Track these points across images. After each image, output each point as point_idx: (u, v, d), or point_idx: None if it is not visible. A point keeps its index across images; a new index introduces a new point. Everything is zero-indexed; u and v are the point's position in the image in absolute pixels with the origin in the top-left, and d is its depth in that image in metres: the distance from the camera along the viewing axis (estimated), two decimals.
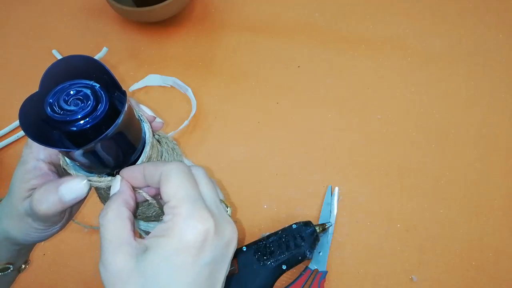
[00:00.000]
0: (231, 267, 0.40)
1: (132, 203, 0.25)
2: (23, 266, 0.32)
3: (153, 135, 0.27)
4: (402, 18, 0.63)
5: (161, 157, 0.29)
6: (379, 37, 0.61)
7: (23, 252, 0.31)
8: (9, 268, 0.29)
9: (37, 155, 0.27)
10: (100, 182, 0.25)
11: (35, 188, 0.26)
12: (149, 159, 0.27)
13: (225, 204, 0.27)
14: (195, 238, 0.22)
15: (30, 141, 0.27)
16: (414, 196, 0.49)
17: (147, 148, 0.26)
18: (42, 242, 0.49)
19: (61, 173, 0.28)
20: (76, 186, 0.25)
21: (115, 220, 0.23)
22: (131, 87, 0.59)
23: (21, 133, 0.56)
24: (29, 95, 0.23)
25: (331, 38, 0.62)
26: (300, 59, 0.60)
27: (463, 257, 0.46)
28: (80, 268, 0.48)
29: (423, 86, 0.57)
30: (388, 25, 0.63)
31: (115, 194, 0.25)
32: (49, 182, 0.26)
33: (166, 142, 0.30)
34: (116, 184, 0.25)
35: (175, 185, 0.23)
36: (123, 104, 0.22)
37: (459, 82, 0.57)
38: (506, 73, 0.57)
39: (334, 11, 0.65)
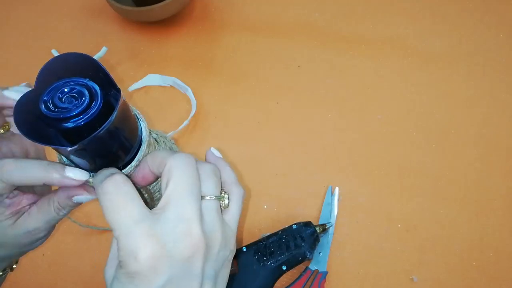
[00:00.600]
0: (231, 267, 0.41)
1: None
2: (14, 266, 0.33)
3: (150, 134, 0.27)
4: (402, 18, 0.63)
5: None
6: (379, 37, 0.61)
7: (13, 261, 0.31)
8: (6, 272, 0.30)
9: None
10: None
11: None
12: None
13: (221, 197, 0.25)
14: (144, 262, 0.20)
15: None
16: (414, 196, 0.49)
17: (143, 147, 0.26)
18: None
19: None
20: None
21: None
22: (131, 87, 0.59)
23: None
24: (24, 93, 0.23)
25: (331, 38, 0.62)
26: (300, 59, 0.60)
27: (463, 257, 0.46)
28: (80, 268, 0.48)
29: (423, 86, 0.57)
30: (388, 25, 0.62)
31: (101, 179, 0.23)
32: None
33: (164, 141, 0.30)
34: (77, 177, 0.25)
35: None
36: (118, 101, 0.22)
37: (459, 82, 0.57)
38: (506, 73, 0.57)
39: (334, 11, 0.65)
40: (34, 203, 0.27)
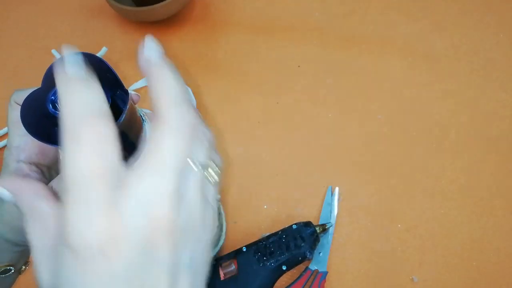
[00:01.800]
0: (231, 268, 0.41)
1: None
2: (23, 267, 0.32)
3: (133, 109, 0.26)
4: (402, 18, 0.63)
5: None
6: (379, 37, 0.61)
7: (26, 253, 0.31)
8: (10, 270, 0.29)
9: (17, 157, 0.26)
10: None
11: None
12: None
13: (208, 166, 0.20)
14: (97, 238, 0.15)
15: (9, 143, 0.25)
16: (415, 196, 0.49)
17: None
18: None
19: (45, 172, 0.28)
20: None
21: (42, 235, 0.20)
22: (131, 87, 0.59)
23: None
24: (31, 92, 0.22)
25: (331, 38, 0.62)
26: (300, 59, 0.60)
27: (463, 257, 0.45)
28: None
29: (423, 86, 0.57)
30: (388, 25, 0.62)
31: (20, 198, 0.20)
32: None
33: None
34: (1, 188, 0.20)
35: (65, 157, 0.16)
36: (125, 103, 0.22)
37: (459, 82, 0.57)
38: (506, 73, 0.57)
39: (334, 11, 0.65)
40: None
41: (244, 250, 0.42)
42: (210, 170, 0.19)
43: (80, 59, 0.17)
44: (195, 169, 0.18)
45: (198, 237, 0.18)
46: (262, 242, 0.42)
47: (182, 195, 0.17)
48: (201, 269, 0.19)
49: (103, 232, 0.15)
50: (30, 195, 0.19)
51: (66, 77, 0.16)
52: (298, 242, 0.42)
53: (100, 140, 0.15)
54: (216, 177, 0.20)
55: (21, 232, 0.21)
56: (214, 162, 0.20)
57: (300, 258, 0.42)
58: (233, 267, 0.41)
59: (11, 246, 0.28)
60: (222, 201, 0.50)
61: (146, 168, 0.16)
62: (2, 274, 0.28)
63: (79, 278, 0.16)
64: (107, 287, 0.16)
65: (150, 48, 0.20)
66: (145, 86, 0.60)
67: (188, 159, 0.17)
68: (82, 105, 0.16)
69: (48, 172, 0.28)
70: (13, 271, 0.29)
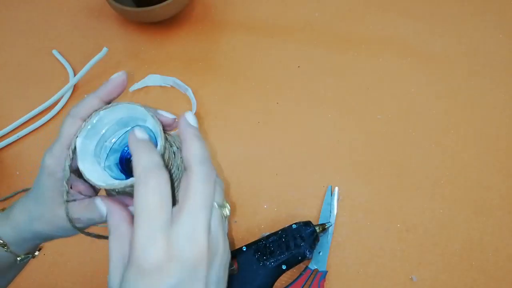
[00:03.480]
0: (230, 267, 0.41)
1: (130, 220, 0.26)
2: (36, 253, 0.34)
3: (166, 140, 0.28)
4: (402, 18, 0.63)
5: (174, 157, 0.29)
6: (379, 37, 0.61)
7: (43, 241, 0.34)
8: (29, 257, 0.32)
9: (63, 165, 0.28)
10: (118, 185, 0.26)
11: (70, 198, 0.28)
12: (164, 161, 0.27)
13: (224, 206, 0.26)
14: (145, 264, 0.21)
15: (54, 150, 0.27)
16: (414, 196, 0.49)
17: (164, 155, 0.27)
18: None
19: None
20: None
21: (116, 241, 0.24)
22: (131, 87, 0.59)
23: (21, 133, 0.56)
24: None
25: (331, 38, 0.62)
26: (300, 59, 0.60)
27: (463, 257, 0.46)
28: (80, 268, 0.48)
29: (423, 86, 0.57)
30: (388, 25, 0.63)
31: (109, 214, 0.25)
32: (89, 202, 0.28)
33: (174, 141, 0.30)
34: (101, 204, 0.26)
35: (136, 196, 0.23)
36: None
37: (459, 82, 0.57)
38: (506, 73, 0.57)
39: (334, 11, 0.65)
40: (89, 196, 0.29)
41: (244, 249, 0.42)
42: (224, 209, 0.26)
43: (143, 129, 0.26)
44: (216, 208, 0.25)
45: (221, 260, 0.25)
46: (262, 241, 0.43)
47: (210, 229, 0.24)
48: (223, 284, 0.25)
49: (162, 252, 0.21)
50: (118, 217, 0.25)
51: (137, 140, 0.24)
52: (298, 241, 0.42)
53: (160, 184, 0.22)
54: (228, 213, 0.26)
55: (63, 231, 0.29)
56: (226, 203, 0.27)
57: (300, 258, 0.42)
58: (233, 266, 0.41)
59: (37, 240, 0.31)
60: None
61: (188, 209, 0.23)
62: (22, 261, 0.32)
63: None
64: None
65: (191, 120, 0.27)
66: (145, 87, 0.60)
67: (213, 202, 0.24)
68: (147, 160, 0.23)
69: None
70: (30, 257, 0.33)
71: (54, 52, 0.64)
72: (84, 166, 0.26)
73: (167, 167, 0.27)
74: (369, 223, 0.48)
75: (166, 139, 0.27)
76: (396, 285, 0.45)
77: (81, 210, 0.28)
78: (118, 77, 0.28)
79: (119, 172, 0.29)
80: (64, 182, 0.26)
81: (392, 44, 0.61)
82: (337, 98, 0.57)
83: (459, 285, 0.44)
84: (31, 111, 0.57)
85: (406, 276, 0.45)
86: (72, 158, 0.26)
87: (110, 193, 0.29)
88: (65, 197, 0.27)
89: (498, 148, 0.52)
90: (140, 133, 0.25)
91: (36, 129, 0.57)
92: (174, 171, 0.28)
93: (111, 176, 0.27)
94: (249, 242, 0.43)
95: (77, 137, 0.26)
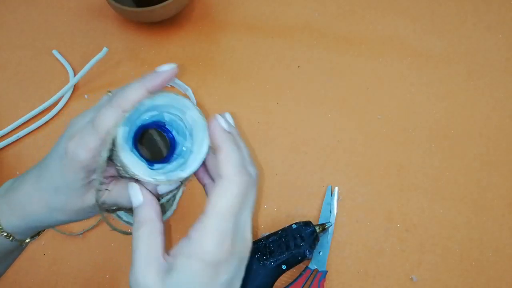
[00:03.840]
0: None
1: (160, 214, 0.26)
2: (36, 237, 0.34)
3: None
4: (402, 18, 0.63)
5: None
6: (379, 37, 0.61)
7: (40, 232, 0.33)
8: (32, 240, 0.32)
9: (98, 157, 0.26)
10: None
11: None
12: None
13: None
14: (214, 258, 0.23)
15: (89, 142, 0.25)
16: (414, 196, 0.49)
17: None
18: (42, 242, 0.49)
19: None
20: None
21: (149, 235, 0.24)
22: None
23: (21, 133, 0.56)
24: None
25: (331, 38, 0.62)
26: (300, 59, 0.60)
27: (463, 257, 0.46)
28: (80, 268, 0.48)
29: (423, 86, 0.57)
30: (388, 25, 0.63)
31: (143, 205, 0.25)
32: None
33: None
34: (138, 194, 0.26)
35: (224, 200, 0.23)
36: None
37: (459, 82, 0.57)
38: (506, 73, 0.57)
39: (334, 11, 0.65)
40: (113, 179, 0.28)
41: None
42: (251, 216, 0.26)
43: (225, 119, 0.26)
44: (247, 213, 0.25)
45: (244, 263, 0.25)
46: (262, 241, 0.43)
47: (237, 231, 0.24)
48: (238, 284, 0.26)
49: (228, 248, 0.23)
50: (153, 211, 0.25)
51: (226, 133, 0.25)
52: (298, 241, 0.42)
53: (247, 183, 0.24)
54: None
55: (65, 220, 0.29)
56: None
57: (300, 258, 0.42)
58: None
59: (45, 227, 0.31)
60: None
61: (245, 211, 0.24)
62: (23, 245, 0.32)
63: (194, 282, 0.23)
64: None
65: (227, 121, 0.26)
66: None
67: (241, 208, 0.24)
68: (239, 159, 0.24)
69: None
70: (29, 241, 0.32)
71: (54, 52, 0.64)
72: (127, 159, 0.25)
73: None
74: (369, 223, 0.48)
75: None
76: (396, 285, 0.45)
77: (112, 197, 0.27)
78: (171, 69, 0.26)
79: (131, 144, 0.26)
80: (100, 173, 0.25)
81: (392, 44, 0.61)
82: (337, 98, 0.57)
83: (459, 285, 0.44)
84: (31, 111, 0.57)
85: (406, 276, 0.45)
86: (112, 149, 0.25)
87: (124, 175, 0.28)
88: (98, 187, 0.26)
89: (498, 148, 0.52)
90: (225, 124, 0.25)
91: (36, 129, 0.57)
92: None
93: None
94: None
95: (119, 126, 0.24)
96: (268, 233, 0.44)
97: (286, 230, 0.43)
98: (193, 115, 0.27)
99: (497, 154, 0.51)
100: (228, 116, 0.27)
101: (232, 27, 0.65)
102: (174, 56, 0.62)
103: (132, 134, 0.26)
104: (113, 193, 0.27)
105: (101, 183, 0.26)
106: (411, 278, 0.45)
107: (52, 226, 0.31)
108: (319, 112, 0.56)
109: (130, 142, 0.26)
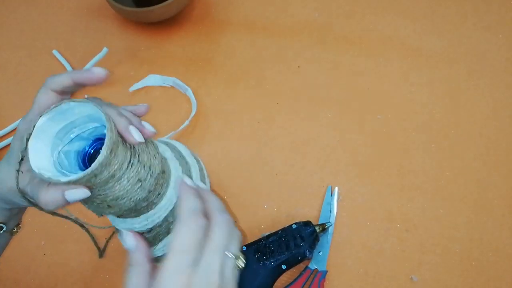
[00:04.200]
0: None
1: (150, 255, 0.28)
2: (15, 229, 0.34)
3: (124, 145, 0.28)
4: (402, 18, 0.63)
5: (138, 156, 0.29)
6: (379, 37, 0.61)
7: (14, 212, 0.33)
8: (2, 228, 0.32)
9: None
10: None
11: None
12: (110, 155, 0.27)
13: (239, 257, 0.28)
14: None
15: (28, 116, 0.28)
16: (414, 196, 0.49)
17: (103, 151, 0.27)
18: (43, 242, 0.49)
19: None
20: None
21: (138, 275, 0.27)
22: (131, 88, 0.59)
23: None
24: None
25: (331, 38, 0.62)
26: (300, 59, 0.61)
27: (463, 257, 0.46)
28: (80, 268, 0.48)
29: (423, 86, 0.57)
30: (388, 25, 0.63)
31: (136, 251, 0.28)
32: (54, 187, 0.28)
33: (148, 150, 0.31)
34: (132, 239, 0.28)
35: (177, 234, 0.26)
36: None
37: (459, 82, 0.57)
38: (506, 73, 0.57)
39: (334, 11, 0.65)
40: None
41: (244, 249, 0.42)
42: (238, 260, 0.28)
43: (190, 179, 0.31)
44: (232, 258, 0.27)
45: None
46: (262, 241, 0.43)
47: (224, 274, 0.26)
48: None
49: (183, 285, 0.24)
50: (143, 254, 0.28)
51: (187, 186, 0.30)
52: (297, 241, 0.42)
53: (198, 228, 0.26)
54: (242, 266, 0.28)
55: (12, 192, 0.29)
56: (241, 255, 0.29)
57: (299, 257, 0.42)
58: None
59: (2, 204, 0.31)
60: (222, 200, 0.50)
61: (207, 252, 0.26)
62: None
63: None
64: None
65: (191, 181, 0.31)
66: (145, 87, 0.60)
67: (226, 251, 0.27)
68: (193, 206, 0.28)
69: None
70: (4, 229, 0.33)
71: (54, 52, 0.64)
72: (33, 144, 0.27)
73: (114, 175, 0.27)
74: (369, 223, 0.48)
75: (119, 145, 0.27)
76: (396, 285, 0.45)
77: (34, 189, 0.27)
78: (99, 73, 0.29)
79: (76, 160, 0.30)
80: (19, 152, 0.27)
81: (392, 44, 0.61)
82: (337, 98, 0.57)
83: (459, 285, 0.44)
84: None
85: (406, 276, 0.45)
86: (31, 133, 0.27)
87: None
88: (17, 166, 0.27)
89: (498, 148, 0.52)
90: (189, 181, 0.30)
91: None
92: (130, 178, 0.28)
93: (61, 163, 0.28)
94: (249, 242, 0.43)
95: (41, 116, 0.27)
96: (268, 233, 0.44)
97: (286, 230, 0.43)
98: (108, 126, 0.28)
99: (497, 154, 0.51)
100: (200, 183, 0.33)
101: (232, 27, 0.65)
102: (174, 56, 0.62)
103: (79, 145, 0.30)
104: (35, 186, 0.28)
105: (20, 162, 0.27)
106: (411, 278, 0.45)
107: (6, 204, 0.31)
108: (319, 112, 0.56)
109: (65, 142, 0.29)
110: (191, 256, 0.25)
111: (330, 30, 0.63)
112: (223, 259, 0.26)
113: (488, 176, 0.50)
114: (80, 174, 0.25)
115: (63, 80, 0.28)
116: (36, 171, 0.26)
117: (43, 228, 0.50)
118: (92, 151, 0.31)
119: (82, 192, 0.26)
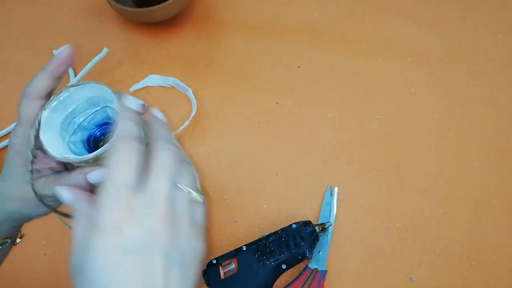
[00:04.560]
0: (231, 267, 0.41)
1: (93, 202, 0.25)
2: (17, 240, 0.35)
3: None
4: (402, 18, 0.63)
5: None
6: (379, 37, 0.62)
7: (19, 227, 0.34)
8: (7, 242, 0.32)
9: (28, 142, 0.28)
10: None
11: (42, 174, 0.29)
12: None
13: (197, 192, 0.25)
14: (114, 218, 0.22)
15: (18, 130, 0.28)
16: (414, 196, 0.49)
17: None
18: (43, 242, 0.49)
19: None
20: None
21: (86, 224, 0.24)
22: (132, 88, 0.59)
23: None
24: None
25: (331, 38, 0.62)
26: (300, 59, 0.61)
27: (462, 257, 0.46)
28: None
29: (423, 86, 0.57)
30: (388, 25, 0.63)
31: (75, 201, 0.25)
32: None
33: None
34: (66, 191, 0.26)
35: (109, 159, 0.23)
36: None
37: (459, 82, 0.57)
38: (506, 73, 0.57)
39: (334, 11, 0.65)
40: (55, 172, 0.30)
41: (244, 249, 0.42)
42: (192, 194, 0.25)
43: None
44: (183, 189, 0.24)
45: (187, 243, 0.24)
46: (262, 241, 0.43)
47: (176, 204, 0.23)
48: (190, 274, 0.24)
49: (121, 213, 0.21)
50: (83, 201, 0.25)
51: (128, 110, 0.26)
52: (297, 241, 0.42)
53: (132, 151, 0.23)
54: (198, 200, 0.25)
55: (27, 204, 0.29)
56: (199, 191, 0.26)
57: (299, 257, 0.42)
58: (233, 266, 0.41)
59: (11, 222, 0.31)
60: (222, 200, 0.50)
61: (151, 177, 0.23)
62: (1, 246, 0.32)
63: (98, 247, 0.21)
64: (117, 255, 0.21)
65: (158, 114, 0.30)
66: (146, 87, 0.60)
67: (177, 183, 0.24)
68: (129, 130, 0.25)
69: None
70: (9, 242, 0.33)
71: (54, 52, 0.64)
72: (45, 137, 0.27)
73: None
74: (369, 223, 0.48)
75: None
76: (396, 285, 0.45)
77: (52, 190, 0.28)
78: (61, 53, 0.28)
79: (84, 149, 0.30)
80: (29, 152, 0.27)
81: (392, 44, 0.61)
82: (337, 98, 0.57)
83: (458, 285, 0.44)
84: None
85: (406, 276, 0.45)
86: (38, 129, 0.27)
87: (73, 165, 0.30)
88: (30, 167, 0.27)
89: (498, 148, 0.52)
90: (136, 103, 0.27)
91: None
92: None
93: (73, 152, 0.29)
94: (249, 242, 0.43)
95: (44, 109, 0.27)
96: (268, 233, 0.44)
97: (286, 230, 0.43)
98: (116, 104, 0.29)
99: (497, 154, 0.51)
100: (158, 111, 0.30)
101: (232, 27, 0.65)
102: (174, 56, 0.62)
103: (82, 135, 0.31)
104: (51, 183, 0.28)
105: (32, 162, 0.28)
106: (411, 278, 0.45)
107: (13, 222, 0.31)
108: (319, 112, 0.56)
109: (70, 133, 0.30)
110: (128, 177, 0.22)
111: (330, 31, 0.63)
112: (171, 187, 0.23)
113: (488, 176, 0.50)
114: (104, 146, 0.26)
115: (43, 83, 0.28)
116: (59, 156, 0.26)
117: (43, 228, 0.50)
118: (98, 134, 0.31)
119: (103, 172, 0.25)
